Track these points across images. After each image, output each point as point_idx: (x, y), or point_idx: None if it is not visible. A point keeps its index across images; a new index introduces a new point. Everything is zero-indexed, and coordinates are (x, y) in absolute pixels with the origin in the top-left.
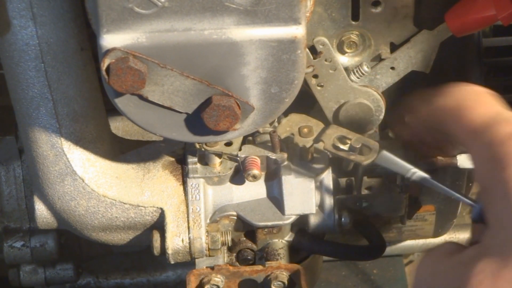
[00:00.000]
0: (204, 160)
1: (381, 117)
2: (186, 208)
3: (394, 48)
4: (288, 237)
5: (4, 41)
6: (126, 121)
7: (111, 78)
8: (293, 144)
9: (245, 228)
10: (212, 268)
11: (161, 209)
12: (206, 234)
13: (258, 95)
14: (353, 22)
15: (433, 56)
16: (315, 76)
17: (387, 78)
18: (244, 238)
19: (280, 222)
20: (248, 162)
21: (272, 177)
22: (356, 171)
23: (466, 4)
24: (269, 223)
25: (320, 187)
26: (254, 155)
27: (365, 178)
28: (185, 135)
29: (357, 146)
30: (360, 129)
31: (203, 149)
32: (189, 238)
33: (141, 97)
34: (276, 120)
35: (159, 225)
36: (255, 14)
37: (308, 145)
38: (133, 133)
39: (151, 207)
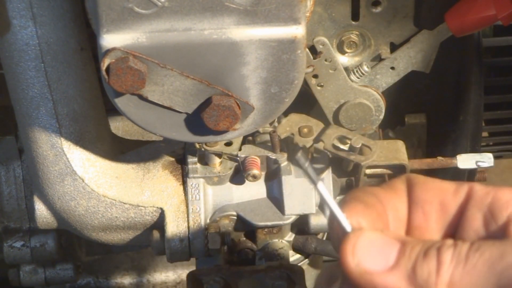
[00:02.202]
0: (204, 160)
1: (381, 117)
2: (186, 208)
3: (394, 48)
4: (288, 237)
5: (4, 41)
6: (126, 121)
7: (111, 78)
8: (293, 144)
9: (245, 228)
10: (212, 268)
11: (161, 209)
12: (206, 234)
13: (258, 95)
14: (353, 22)
15: (433, 56)
16: (315, 76)
17: (387, 78)
18: (244, 238)
19: (280, 222)
20: (248, 162)
21: (272, 177)
22: (356, 171)
23: (466, 4)
24: (269, 223)
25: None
26: (254, 155)
27: (365, 178)
28: (185, 135)
29: (357, 146)
30: (360, 129)
31: (203, 149)
32: (189, 238)
33: (141, 97)
34: (276, 120)
35: (159, 225)
36: (255, 14)
37: (308, 145)
38: (133, 133)
39: (151, 207)
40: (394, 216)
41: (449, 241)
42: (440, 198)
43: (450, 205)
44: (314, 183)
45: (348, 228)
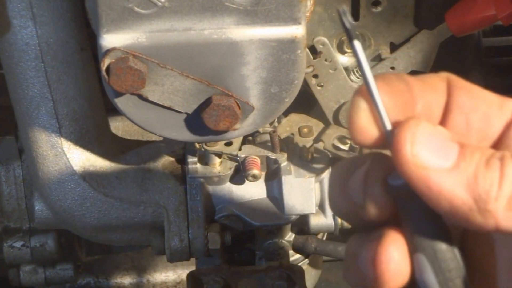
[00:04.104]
0: (204, 160)
1: None
2: (186, 208)
3: (394, 48)
4: (288, 237)
5: (4, 41)
6: (126, 121)
7: (111, 78)
8: (293, 144)
9: (245, 228)
10: (212, 268)
11: (161, 209)
12: (206, 234)
13: (258, 95)
14: (353, 22)
15: (433, 56)
16: (315, 76)
17: None
18: (244, 238)
19: (280, 222)
20: (248, 162)
21: (272, 177)
22: None
23: (466, 4)
24: (269, 223)
25: (320, 187)
26: (254, 155)
27: None
28: (185, 135)
29: (357, 146)
30: None
31: (203, 149)
32: (189, 238)
33: (141, 97)
34: (276, 120)
35: (159, 225)
36: (255, 14)
37: (308, 145)
38: (133, 133)
39: (151, 207)
40: (424, 113)
41: (509, 153)
42: (485, 108)
43: (495, 119)
44: (350, 39)
45: (378, 99)
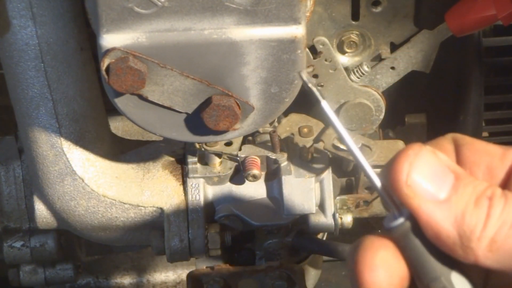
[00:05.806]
0: (204, 160)
1: (381, 117)
2: (186, 208)
3: (394, 48)
4: (288, 237)
5: (4, 41)
6: (126, 121)
7: (111, 78)
8: (293, 144)
9: (245, 228)
10: (212, 268)
11: (161, 209)
12: (206, 234)
13: (258, 95)
14: (353, 22)
15: (433, 56)
16: (315, 76)
17: (387, 78)
18: (244, 238)
19: (280, 222)
20: (248, 162)
21: (272, 177)
22: (356, 171)
23: (466, 4)
24: (269, 223)
25: (320, 187)
26: (254, 155)
27: (365, 178)
28: (185, 135)
29: (357, 146)
30: (360, 129)
31: (203, 149)
32: (189, 238)
33: (141, 97)
34: (276, 120)
35: (159, 225)
36: (255, 14)
37: (308, 145)
38: (133, 133)
39: (151, 207)
40: None
41: (499, 191)
42: (487, 161)
43: (497, 169)
44: (318, 101)
45: (354, 149)
